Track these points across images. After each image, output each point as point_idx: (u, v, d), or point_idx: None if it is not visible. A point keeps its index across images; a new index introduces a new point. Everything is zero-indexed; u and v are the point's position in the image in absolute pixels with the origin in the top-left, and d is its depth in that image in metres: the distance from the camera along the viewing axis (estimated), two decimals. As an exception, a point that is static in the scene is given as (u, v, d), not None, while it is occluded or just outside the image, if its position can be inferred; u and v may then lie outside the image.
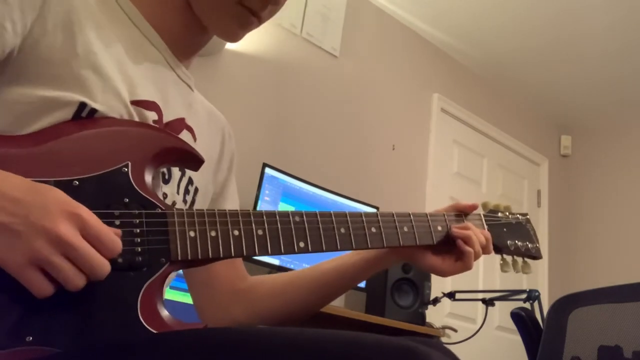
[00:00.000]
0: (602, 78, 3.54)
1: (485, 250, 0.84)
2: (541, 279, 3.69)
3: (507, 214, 0.96)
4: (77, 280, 0.52)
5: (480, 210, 0.94)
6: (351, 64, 2.94)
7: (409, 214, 0.81)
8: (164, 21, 0.75)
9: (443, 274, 0.83)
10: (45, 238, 0.50)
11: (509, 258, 0.95)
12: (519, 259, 0.96)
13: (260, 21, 0.77)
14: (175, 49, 0.77)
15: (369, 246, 0.76)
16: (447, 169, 3.36)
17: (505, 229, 0.93)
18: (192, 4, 0.75)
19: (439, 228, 0.83)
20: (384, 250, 0.84)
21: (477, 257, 0.82)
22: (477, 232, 0.83)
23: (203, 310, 0.89)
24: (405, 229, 0.80)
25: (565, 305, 1.39)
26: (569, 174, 4.04)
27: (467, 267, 0.82)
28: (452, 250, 0.83)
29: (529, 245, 0.95)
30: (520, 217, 0.97)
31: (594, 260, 3.67)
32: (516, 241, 0.94)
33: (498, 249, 0.92)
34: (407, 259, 0.85)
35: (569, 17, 3.03)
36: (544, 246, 3.73)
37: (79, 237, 0.52)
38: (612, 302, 1.35)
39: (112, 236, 0.54)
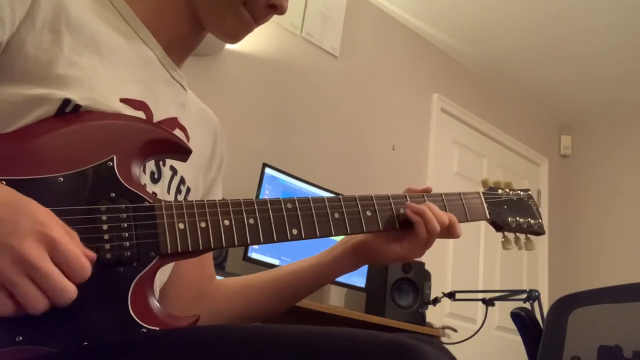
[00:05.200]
0: (602, 78, 3.54)
1: (449, 230, 0.79)
2: (541, 279, 3.69)
3: (508, 190, 0.94)
4: (37, 304, 0.50)
5: (480, 188, 0.93)
6: (351, 64, 2.93)
7: (405, 195, 0.80)
8: (159, 20, 0.75)
9: (407, 258, 0.80)
10: (10, 257, 0.48)
11: (510, 235, 0.92)
12: (522, 236, 0.93)
13: (257, 24, 0.79)
14: (169, 49, 0.77)
15: (364, 230, 0.75)
16: (447, 169, 3.36)
17: (505, 206, 0.91)
18: (195, 3, 0.75)
19: (401, 211, 0.79)
20: (341, 255, 0.83)
21: (433, 232, 0.77)
22: (434, 211, 0.78)
23: (165, 308, 0.88)
24: (402, 210, 0.79)
25: (565, 305, 1.39)
26: (569, 174, 4.04)
27: (425, 244, 0.78)
28: (406, 232, 0.79)
29: (531, 222, 0.93)
30: (521, 193, 0.95)
31: (594, 260, 3.67)
32: (517, 218, 0.91)
33: (499, 227, 0.90)
34: (368, 261, 0.82)
35: (569, 17, 3.03)
36: (544, 246, 3.73)
37: (45, 258, 0.49)
38: (612, 302, 1.35)
39: (82, 260, 0.52)
